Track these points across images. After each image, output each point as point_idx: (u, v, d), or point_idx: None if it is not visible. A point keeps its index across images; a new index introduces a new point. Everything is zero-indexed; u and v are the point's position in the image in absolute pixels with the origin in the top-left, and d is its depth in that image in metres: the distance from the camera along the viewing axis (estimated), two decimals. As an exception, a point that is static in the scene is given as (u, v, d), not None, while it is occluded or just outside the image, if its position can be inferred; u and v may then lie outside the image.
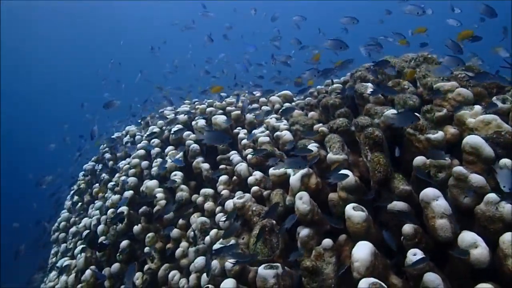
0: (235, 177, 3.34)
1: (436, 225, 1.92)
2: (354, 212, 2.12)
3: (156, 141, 4.31)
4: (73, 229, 4.53)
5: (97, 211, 4.21)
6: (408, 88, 3.01)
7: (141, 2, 26.69)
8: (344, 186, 2.36)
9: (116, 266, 3.42)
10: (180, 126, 4.31)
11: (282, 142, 3.31)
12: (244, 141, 3.63)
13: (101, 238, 3.71)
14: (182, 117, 4.50)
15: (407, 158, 2.43)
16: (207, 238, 2.92)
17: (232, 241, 2.61)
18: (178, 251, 3.16)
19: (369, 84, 3.21)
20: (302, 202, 2.34)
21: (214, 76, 7.14)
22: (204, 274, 2.63)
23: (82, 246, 3.90)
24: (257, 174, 3.08)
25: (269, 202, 2.78)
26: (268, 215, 2.47)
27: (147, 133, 4.54)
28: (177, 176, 3.67)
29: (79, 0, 23.35)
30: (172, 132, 4.16)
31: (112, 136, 5.43)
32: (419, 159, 2.32)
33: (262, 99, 4.59)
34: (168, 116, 4.75)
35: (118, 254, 3.49)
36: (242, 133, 3.81)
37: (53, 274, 4.24)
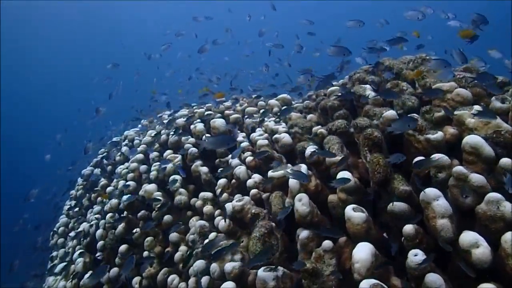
0: (234, 180, 3.32)
1: (437, 225, 1.90)
2: (354, 213, 2.10)
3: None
4: (71, 234, 4.50)
5: (96, 216, 4.18)
6: (407, 89, 3.00)
7: (142, 2, 26.70)
8: (344, 187, 2.35)
9: (115, 270, 3.39)
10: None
11: (280, 144, 3.30)
12: (243, 145, 3.61)
13: (99, 244, 3.68)
14: (180, 121, 4.48)
15: (407, 158, 2.42)
16: (206, 242, 2.90)
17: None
18: (177, 255, 3.14)
19: (368, 86, 3.20)
20: (302, 204, 2.32)
21: (211, 80, 7.14)
22: (204, 278, 2.61)
23: (80, 250, 3.87)
24: (256, 177, 3.07)
25: (269, 204, 2.76)
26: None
27: (152, 133, 4.53)
28: (176, 179, 3.65)
29: (79, 0, 23.37)
30: (171, 133, 4.13)
31: (113, 140, 5.42)
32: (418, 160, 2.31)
33: (261, 103, 4.59)
34: (165, 121, 4.75)
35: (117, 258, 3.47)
36: (240, 136, 3.80)
37: (52, 279, 4.20)
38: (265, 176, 2.98)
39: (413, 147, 2.48)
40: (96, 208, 4.32)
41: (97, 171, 5.18)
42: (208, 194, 3.41)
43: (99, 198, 4.52)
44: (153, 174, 3.85)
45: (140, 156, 4.25)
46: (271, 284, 2.08)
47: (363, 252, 1.88)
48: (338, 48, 3.31)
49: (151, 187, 3.68)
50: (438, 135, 2.37)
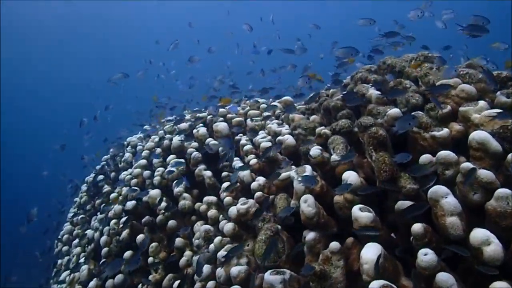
0: (238, 184, 3.29)
1: (446, 223, 1.87)
2: (361, 213, 2.07)
3: (157, 150, 4.28)
4: (76, 241, 4.48)
5: (100, 222, 4.17)
6: (410, 87, 2.97)
7: (144, 2, 26.73)
8: (353, 184, 2.32)
9: (119, 277, 3.37)
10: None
11: (284, 146, 3.27)
12: (246, 147, 3.59)
13: (104, 250, 3.66)
14: (183, 125, 4.47)
15: (413, 156, 2.39)
16: (211, 246, 2.87)
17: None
18: (182, 260, 3.11)
19: (370, 85, 3.18)
20: (307, 205, 2.29)
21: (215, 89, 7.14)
22: (210, 283, 2.58)
23: (84, 258, 3.85)
24: (260, 180, 3.04)
25: (273, 207, 2.73)
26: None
27: (155, 139, 4.51)
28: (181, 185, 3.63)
29: (79, 0, 23.41)
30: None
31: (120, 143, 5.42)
32: (424, 158, 2.28)
33: (263, 106, 4.57)
34: (167, 126, 4.73)
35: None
36: (243, 139, 3.78)
37: (57, 287, 4.18)
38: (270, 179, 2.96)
39: (418, 144, 2.45)
40: (100, 215, 4.30)
41: (101, 177, 5.17)
42: (213, 198, 3.38)
43: (104, 205, 4.50)
44: (156, 179, 3.83)
45: (143, 161, 4.24)
46: (278, 287, 2.04)
47: (371, 252, 1.84)
48: (346, 49, 3.29)
49: (155, 192, 3.66)
50: (443, 131, 2.34)
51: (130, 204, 3.70)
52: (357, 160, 2.68)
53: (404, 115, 2.52)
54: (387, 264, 1.87)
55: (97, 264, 3.76)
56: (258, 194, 2.89)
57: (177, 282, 2.95)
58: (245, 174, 3.19)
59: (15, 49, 25.98)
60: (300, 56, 4.97)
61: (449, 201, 1.90)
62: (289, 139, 3.25)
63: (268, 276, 2.10)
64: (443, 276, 1.68)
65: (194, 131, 4.20)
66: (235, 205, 2.91)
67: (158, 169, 3.95)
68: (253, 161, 3.31)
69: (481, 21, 3.09)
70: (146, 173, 4.05)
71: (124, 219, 3.61)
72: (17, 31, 24.35)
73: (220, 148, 3.65)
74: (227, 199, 3.17)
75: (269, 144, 3.37)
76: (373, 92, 3.04)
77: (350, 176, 2.34)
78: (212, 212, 3.26)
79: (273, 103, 4.46)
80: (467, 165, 2.00)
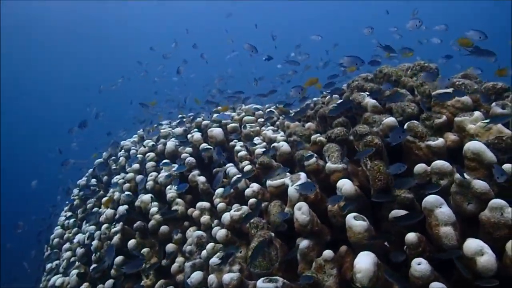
0: (231, 190, 3.27)
1: (440, 233, 1.86)
2: (355, 222, 2.06)
3: (151, 154, 4.25)
4: (66, 245, 4.41)
5: (91, 227, 4.11)
6: (406, 96, 2.98)
7: (145, 3, 26.68)
8: (344, 196, 2.30)
9: (109, 282, 3.32)
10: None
11: (279, 153, 3.26)
12: (241, 154, 3.57)
13: (95, 255, 3.61)
14: (178, 130, 4.45)
15: (408, 166, 2.38)
16: (204, 252, 2.84)
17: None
18: (174, 266, 3.07)
19: (367, 93, 3.18)
20: (301, 212, 2.27)
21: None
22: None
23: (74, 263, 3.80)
24: (254, 186, 3.02)
25: (267, 214, 2.71)
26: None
27: (149, 143, 4.47)
28: (172, 190, 3.60)
29: (80, 0, 23.35)
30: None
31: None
32: (419, 167, 2.27)
33: (258, 112, 4.56)
34: (163, 130, 4.71)
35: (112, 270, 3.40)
36: (238, 145, 3.76)
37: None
38: (264, 185, 2.94)
39: (413, 154, 2.45)
40: (92, 219, 4.25)
41: (93, 181, 5.11)
42: (206, 204, 3.34)
43: (95, 208, 4.45)
44: (149, 184, 3.80)
45: (136, 166, 4.20)
46: (270, 295, 2.02)
47: (365, 261, 1.82)
48: (351, 58, 3.31)
49: (147, 197, 3.62)
50: (439, 141, 2.34)
51: (122, 208, 3.65)
52: (352, 168, 2.67)
53: (396, 128, 2.53)
54: (380, 273, 1.85)
55: (87, 269, 3.71)
56: (252, 200, 2.87)
57: None
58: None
59: (15, 49, 25.88)
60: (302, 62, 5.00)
61: (443, 211, 1.89)
62: (284, 146, 3.24)
63: (261, 283, 2.07)
64: (436, 286, 1.67)
65: (189, 136, 4.18)
66: (229, 211, 2.90)
67: (151, 173, 3.92)
68: (248, 167, 3.29)
69: (478, 36, 3.12)
70: (139, 177, 4.01)
71: (116, 223, 3.57)
72: (17, 31, 24.24)
73: (214, 154, 3.64)
74: (221, 205, 3.15)
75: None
76: (369, 100, 3.04)
77: (345, 184, 2.32)
78: (205, 218, 3.23)
79: (269, 109, 4.45)
80: (462, 175, 2.00)
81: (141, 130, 5.48)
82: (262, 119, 4.34)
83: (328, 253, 2.11)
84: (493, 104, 2.54)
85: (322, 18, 28.34)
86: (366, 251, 1.92)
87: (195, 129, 4.42)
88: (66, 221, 5.02)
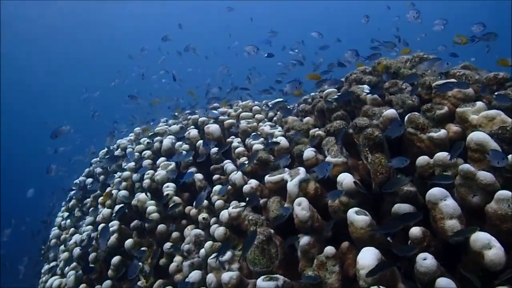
0: (229, 187, 3.21)
1: (445, 227, 1.80)
2: (357, 217, 1.99)
3: (148, 152, 4.18)
4: (63, 246, 4.35)
5: (88, 227, 4.05)
6: (406, 88, 2.92)
7: (147, 3, 26.44)
8: (345, 190, 2.25)
9: (107, 283, 3.26)
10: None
11: (278, 148, 3.19)
12: (238, 150, 3.51)
13: (92, 255, 3.54)
14: (174, 127, 4.38)
15: (409, 159, 2.33)
16: (202, 251, 2.78)
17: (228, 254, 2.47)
18: (172, 266, 3.01)
19: (365, 86, 3.12)
20: (301, 208, 2.21)
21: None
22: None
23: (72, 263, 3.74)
24: (253, 182, 2.95)
25: (266, 210, 2.65)
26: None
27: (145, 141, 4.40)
28: (170, 187, 3.53)
29: (80, 0, 23.13)
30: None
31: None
32: (422, 159, 2.21)
33: (256, 108, 4.50)
34: (159, 128, 4.63)
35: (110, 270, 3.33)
36: (235, 141, 3.70)
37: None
38: (262, 181, 2.88)
39: (415, 146, 2.39)
40: (89, 218, 4.19)
41: (90, 180, 5.05)
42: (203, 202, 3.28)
43: (92, 209, 4.38)
44: (146, 182, 3.73)
45: (132, 164, 4.13)
46: (271, 294, 1.96)
47: (368, 257, 1.77)
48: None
49: (144, 196, 3.56)
50: (441, 133, 2.28)
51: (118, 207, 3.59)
52: (352, 162, 2.61)
53: (394, 122, 2.47)
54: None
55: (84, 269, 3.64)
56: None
57: None
58: (237, 176, 3.11)
59: (15, 49, 25.69)
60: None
61: (448, 203, 1.84)
62: (282, 141, 3.18)
63: (261, 282, 2.01)
64: (443, 282, 1.62)
65: (185, 133, 4.12)
66: (227, 208, 2.84)
67: (147, 171, 3.85)
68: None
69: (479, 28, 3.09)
70: (136, 176, 3.94)
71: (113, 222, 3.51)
72: (17, 31, 24.04)
73: (212, 150, 3.57)
74: (219, 202, 3.09)
75: (262, 146, 3.30)
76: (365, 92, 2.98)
77: (346, 179, 2.27)
78: (203, 216, 3.16)
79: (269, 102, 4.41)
80: (466, 166, 1.94)
81: (138, 128, 5.41)
82: (260, 115, 4.28)
83: (329, 249, 2.05)
84: (495, 94, 2.48)
85: (321, 16, 28.34)
86: (369, 246, 1.86)
87: (192, 126, 4.36)
88: (63, 222, 4.96)
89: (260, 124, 3.99)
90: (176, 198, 3.43)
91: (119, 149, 4.96)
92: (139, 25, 28.71)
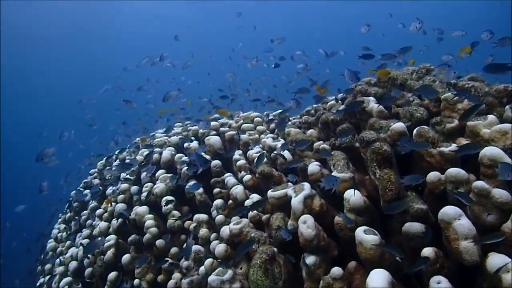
0: (230, 201, 3.11)
1: (460, 248, 1.69)
2: (366, 236, 1.89)
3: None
4: (58, 260, 4.24)
5: (85, 240, 3.94)
6: (413, 100, 2.84)
7: (148, 3, 26.47)
8: (352, 207, 2.15)
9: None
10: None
11: (280, 162, 3.10)
12: (240, 163, 3.42)
13: (87, 270, 3.43)
14: (174, 138, 4.29)
15: (417, 173, 2.23)
16: (202, 269, 2.66)
17: (229, 272, 2.35)
18: (171, 283, 2.89)
19: (371, 98, 3.03)
20: (307, 226, 2.11)
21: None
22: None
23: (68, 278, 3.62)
24: (255, 197, 2.86)
25: (269, 227, 2.54)
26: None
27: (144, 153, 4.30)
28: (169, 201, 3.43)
29: (80, 0, 23.16)
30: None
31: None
32: (433, 175, 2.11)
33: (257, 119, 4.42)
34: (158, 139, 4.54)
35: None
36: (237, 154, 3.60)
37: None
38: (265, 196, 2.78)
39: (424, 161, 2.29)
40: (85, 232, 4.08)
41: (87, 192, 4.94)
42: (203, 216, 3.18)
43: (89, 221, 4.28)
44: (144, 195, 3.63)
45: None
46: (275, 317, 1.85)
47: (378, 280, 1.66)
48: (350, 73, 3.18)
49: (142, 209, 3.45)
50: (452, 147, 2.19)
51: (115, 222, 3.49)
52: (359, 177, 2.52)
53: (403, 137, 2.38)
54: (395, 293, 1.69)
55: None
56: (252, 213, 2.71)
57: None
58: (238, 191, 3.02)
59: (15, 49, 25.73)
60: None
61: (463, 223, 1.73)
62: (285, 155, 3.09)
63: (264, 304, 1.91)
64: (460, 309, 1.51)
65: (186, 144, 4.03)
66: (228, 224, 2.73)
67: (146, 184, 3.75)
68: (247, 177, 3.13)
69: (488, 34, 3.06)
70: (134, 188, 3.84)
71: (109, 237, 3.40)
72: (17, 31, 24.08)
73: (212, 163, 3.48)
74: (219, 217, 2.99)
75: (265, 159, 3.21)
76: (374, 105, 2.89)
77: (353, 195, 2.17)
78: (203, 231, 3.06)
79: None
80: (480, 183, 1.84)
81: (137, 139, 5.33)
82: (261, 126, 4.20)
83: (336, 270, 1.95)
84: (507, 107, 2.40)
85: (324, 19, 28.41)
86: (378, 268, 1.76)
87: (192, 138, 4.28)
88: (59, 234, 4.85)
89: (262, 136, 3.91)
90: (176, 213, 3.33)
91: (118, 160, 4.87)
92: (140, 25, 28.75)
